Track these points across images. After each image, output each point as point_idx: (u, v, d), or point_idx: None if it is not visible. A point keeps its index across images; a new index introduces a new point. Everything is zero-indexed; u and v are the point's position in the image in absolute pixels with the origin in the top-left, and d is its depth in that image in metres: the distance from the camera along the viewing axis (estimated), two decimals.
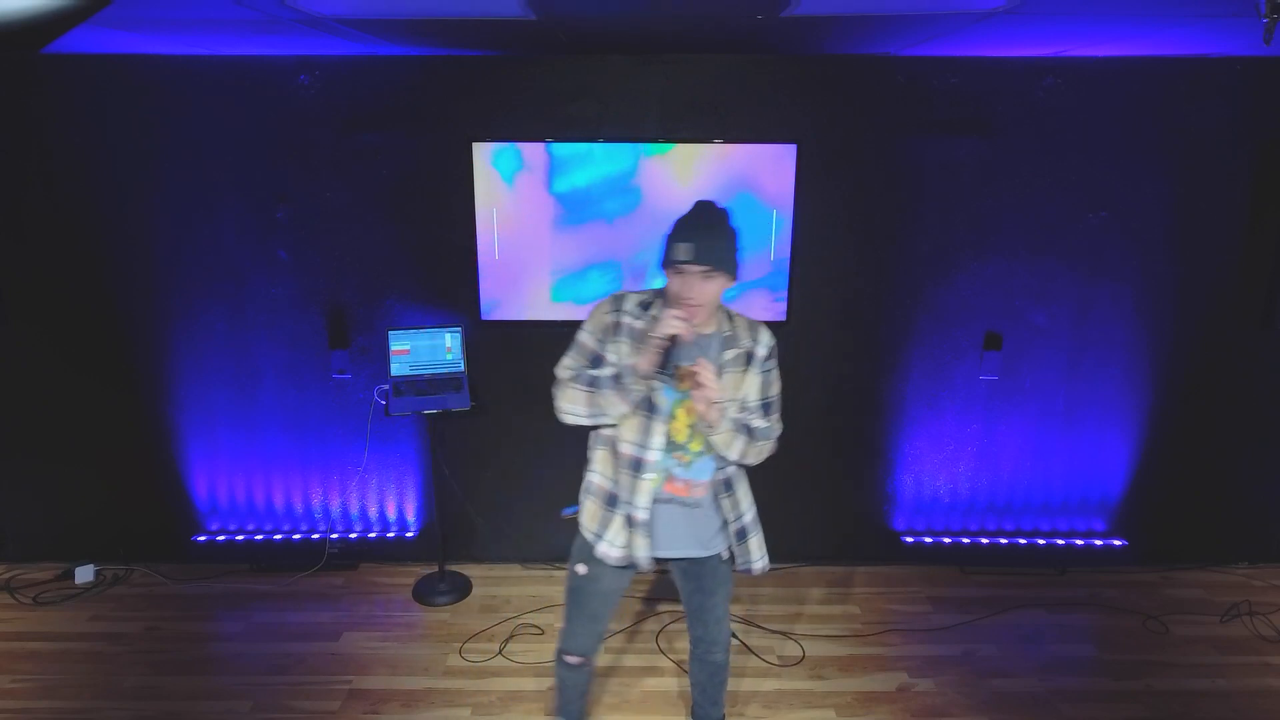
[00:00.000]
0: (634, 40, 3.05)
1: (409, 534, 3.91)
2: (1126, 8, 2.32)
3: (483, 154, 3.37)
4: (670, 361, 2.07)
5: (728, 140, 3.37)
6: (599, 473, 2.25)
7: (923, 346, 3.68)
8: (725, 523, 2.30)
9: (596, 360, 2.13)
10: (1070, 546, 3.89)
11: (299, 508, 3.89)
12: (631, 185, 3.41)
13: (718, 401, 2.06)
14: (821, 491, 3.86)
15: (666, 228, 2.10)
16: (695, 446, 2.18)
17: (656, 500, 2.20)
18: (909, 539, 3.90)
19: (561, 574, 3.81)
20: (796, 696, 3.04)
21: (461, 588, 3.71)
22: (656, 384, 2.10)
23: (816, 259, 3.54)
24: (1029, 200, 3.48)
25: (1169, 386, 3.70)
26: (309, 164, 3.45)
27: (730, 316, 2.21)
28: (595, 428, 2.24)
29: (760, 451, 2.22)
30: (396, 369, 3.49)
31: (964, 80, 3.36)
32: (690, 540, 2.27)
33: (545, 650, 3.26)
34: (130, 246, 3.52)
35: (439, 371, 3.52)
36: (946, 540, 3.90)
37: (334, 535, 3.89)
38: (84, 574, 3.73)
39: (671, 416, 2.15)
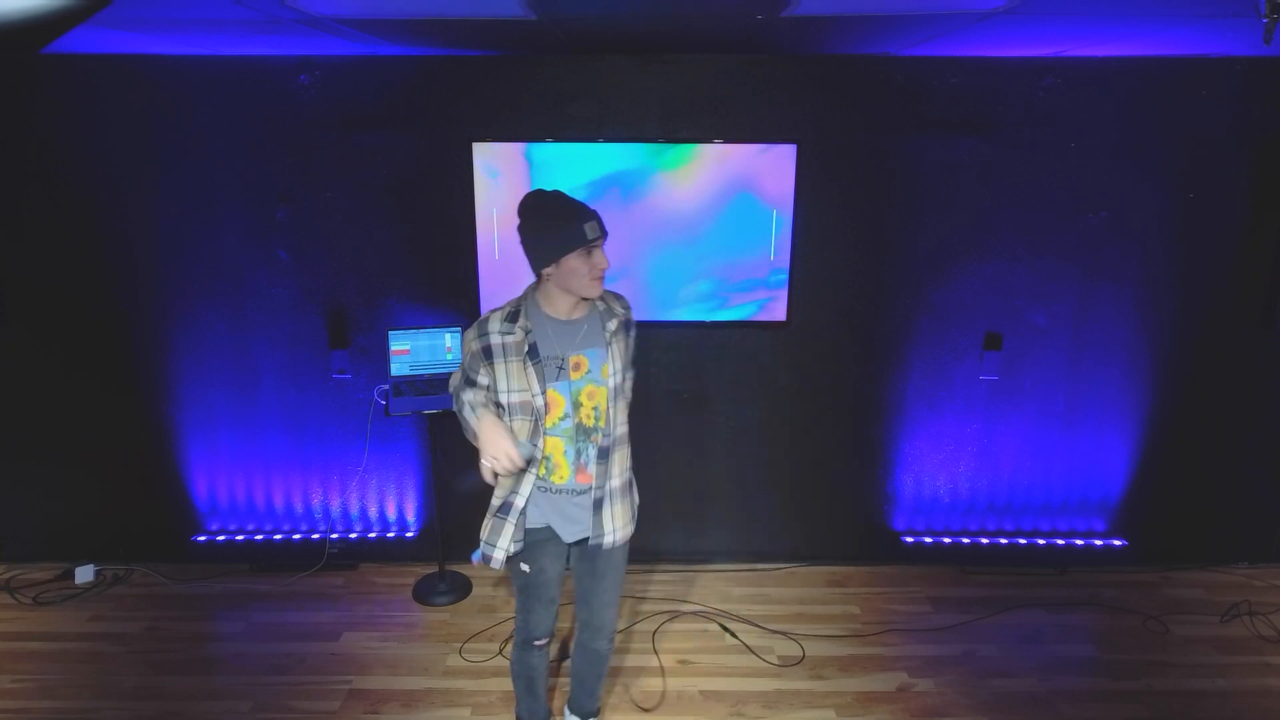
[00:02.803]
0: (634, 40, 3.05)
1: (409, 534, 3.91)
2: (1126, 8, 2.32)
3: (479, 157, 3.37)
4: (540, 357, 2.20)
5: (728, 140, 3.38)
6: (496, 494, 2.34)
7: (923, 346, 3.68)
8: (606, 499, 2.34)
9: (472, 382, 2.24)
10: (1070, 546, 3.89)
11: (299, 508, 3.89)
12: (634, 186, 3.41)
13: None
14: (821, 491, 3.86)
15: (538, 221, 2.16)
16: (602, 424, 2.27)
17: (562, 492, 2.29)
18: (909, 539, 3.90)
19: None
20: (796, 696, 3.04)
21: (461, 588, 3.71)
22: (537, 392, 2.20)
23: (816, 259, 3.54)
24: (1029, 200, 3.48)
25: (1169, 386, 3.70)
26: (309, 164, 3.45)
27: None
28: None
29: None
30: (396, 369, 3.49)
31: (964, 80, 3.35)
32: (579, 522, 2.34)
33: None
34: (130, 246, 3.52)
35: (439, 371, 3.52)
36: (946, 540, 3.90)
37: (334, 535, 3.89)
38: (84, 574, 3.74)
39: (577, 404, 2.24)
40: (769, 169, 3.40)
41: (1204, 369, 3.67)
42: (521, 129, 3.38)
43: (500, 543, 2.31)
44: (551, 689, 2.80)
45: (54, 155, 3.43)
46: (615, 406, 2.27)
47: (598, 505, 2.30)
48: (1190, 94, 3.36)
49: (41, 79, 3.34)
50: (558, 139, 3.37)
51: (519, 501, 2.29)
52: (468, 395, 2.24)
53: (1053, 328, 3.63)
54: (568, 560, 2.46)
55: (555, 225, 2.11)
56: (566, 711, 2.75)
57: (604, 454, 2.28)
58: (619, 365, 2.26)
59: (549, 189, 2.20)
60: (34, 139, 3.41)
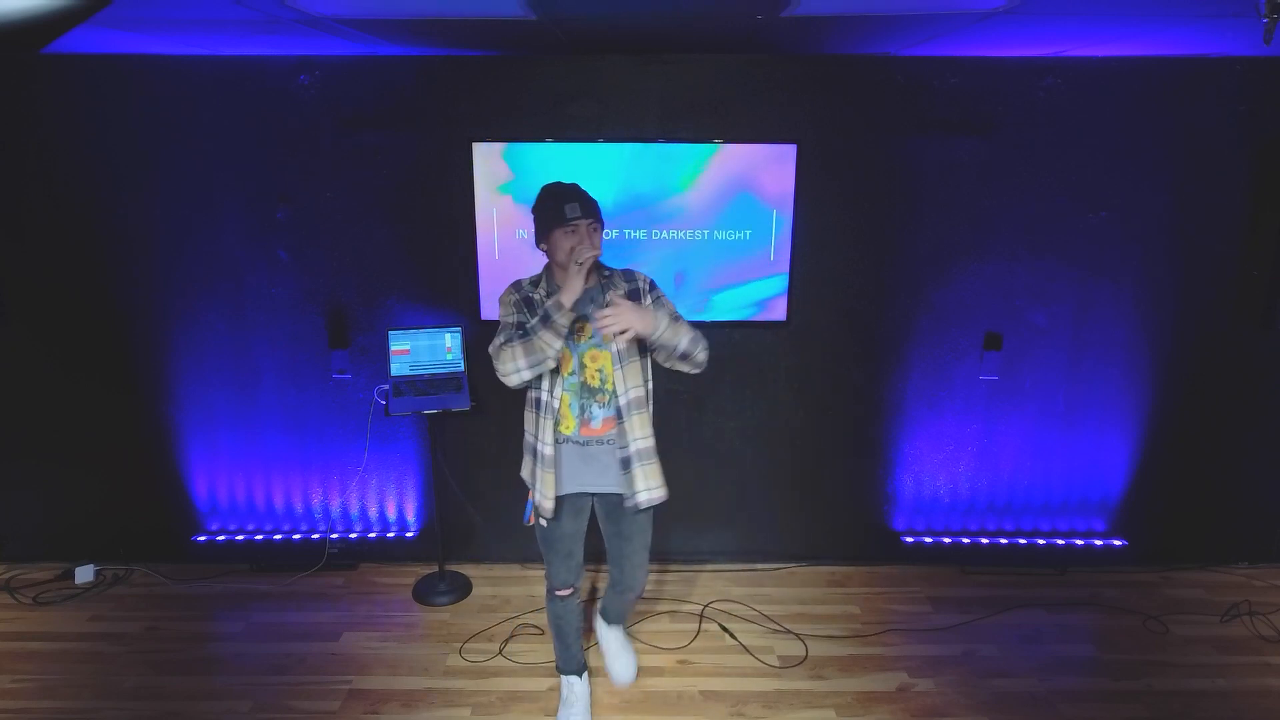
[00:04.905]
0: (634, 40, 3.05)
1: (409, 534, 3.91)
2: (1126, 8, 2.33)
3: (494, 152, 3.37)
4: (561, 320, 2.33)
5: (728, 140, 3.38)
6: (528, 431, 2.54)
7: (923, 346, 3.68)
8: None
9: (520, 325, 2.39)
10: (1070, 546, 3.89)
11: (299, 508, 3.89)
12: (636, 187, 3.41)
13: (627, 326, 2.26)
14: (821, 491, 3.86)
15: (538, 203, 2.41)
16: (609, 386, 2.46)
17: (572, 442, 2.49)
18: (909, 539, 3.90)
19: None
20: (796, 696, 3.04)
21: (461, 588, 3.71)
22: (559, 338, 2.31)
23: (816, 259, 3.54)
24: (1029, 200, 3.48)
25: (1169, 386, 3.70)
26: (309, 164, 3.45)
27: (604, 271, 2.52)
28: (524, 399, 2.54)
29: (704, 349, 2.44)
30: (396, 369, 3.49)
31: (964, 80, 3.35)
32: (601, 475, 2.52)
33: (545, 650, 3.26)
34: (130, 246, 3.52)
35: (439, 371, 3.52)
36: (946, 540, 3.90)
37: (334, 535, 3.89)
38: (84, 574, 3.74)
39: (582, 364, 2.46)
40: (769, 169, 3.40)
41: (1204, 369, 3.67)
42: (521, 129, 3.38)
43: (548, 491, 2.47)
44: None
45: (54, 155, 3.43)
46: (623, 370, 2.44)
47: (626, 464, 2.48)
48: (1190, 94, 3.36)
49: (41, 79, 3.34)
50: (558, 139, 3.37)
51: (547, 450, 2.45)
52: (518, 334, 2.35)
53: (1053, 328, 3.63)
54: (592, 517, 2.65)
55: (544, 205, 2.37)
56: (598, 616, 2.91)
57: (621, 414, 2.46)
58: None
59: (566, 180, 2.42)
60: (34, 139, 3.41)
